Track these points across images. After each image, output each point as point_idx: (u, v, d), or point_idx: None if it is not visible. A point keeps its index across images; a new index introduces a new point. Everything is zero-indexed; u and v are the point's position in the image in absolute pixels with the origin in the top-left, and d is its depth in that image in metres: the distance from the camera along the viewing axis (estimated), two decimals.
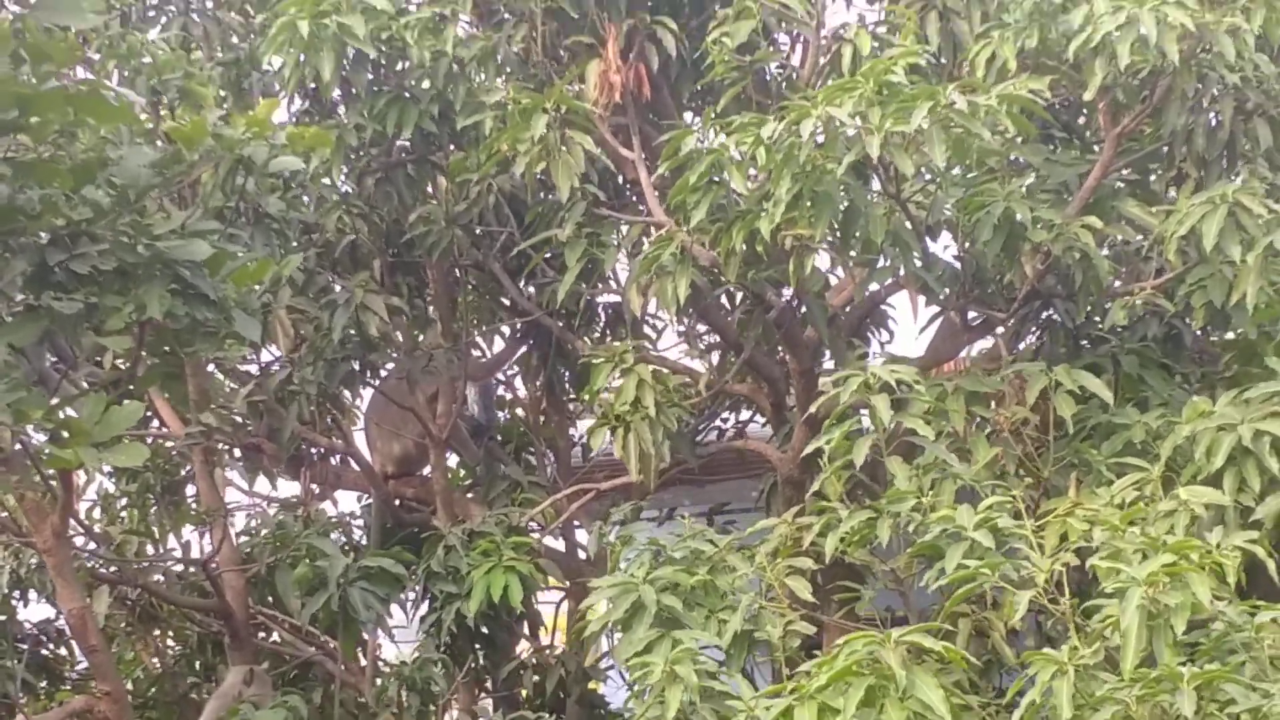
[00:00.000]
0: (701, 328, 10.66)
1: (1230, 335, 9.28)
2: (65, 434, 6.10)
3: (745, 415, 11.80)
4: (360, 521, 11.57)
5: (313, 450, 10.97)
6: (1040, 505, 8.01)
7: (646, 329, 11.36)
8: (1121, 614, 6.32)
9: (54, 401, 6.35)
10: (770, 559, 7.97)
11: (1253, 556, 6.97)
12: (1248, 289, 7.93)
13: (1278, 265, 7.98)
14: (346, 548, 10.53)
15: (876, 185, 8.30)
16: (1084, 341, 9.15)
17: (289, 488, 11.35)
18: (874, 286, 9.13)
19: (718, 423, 11.78)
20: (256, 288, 7.02)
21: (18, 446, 6.76)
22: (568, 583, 11.11)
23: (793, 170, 7.67)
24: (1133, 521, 7.13)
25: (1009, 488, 7.79)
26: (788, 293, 9.46)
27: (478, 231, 10.08)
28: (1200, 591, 6.36)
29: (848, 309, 9.78)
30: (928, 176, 8.29)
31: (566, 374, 11.57)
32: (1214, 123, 8.60)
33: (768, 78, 9.53)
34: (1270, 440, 7.43)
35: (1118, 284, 8.84)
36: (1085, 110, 9.31)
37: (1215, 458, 7.53)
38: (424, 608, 9.83)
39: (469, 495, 11.33)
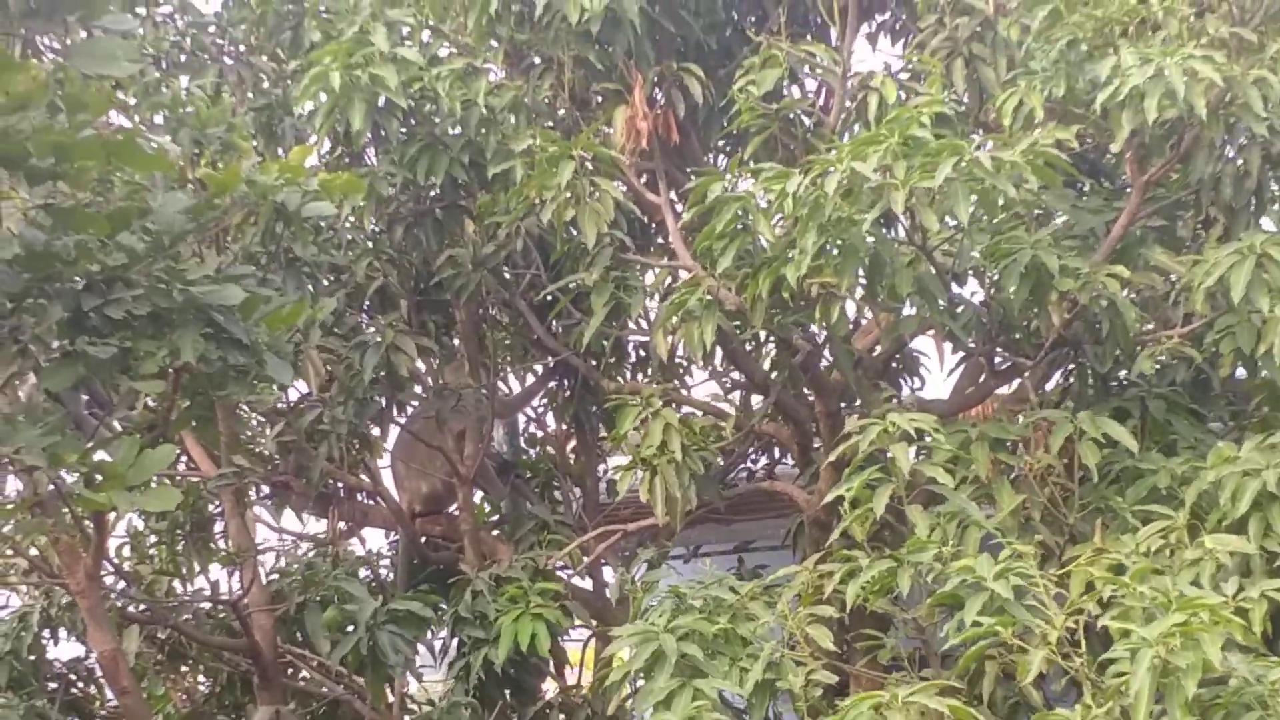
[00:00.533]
0: (731, 368, 10.69)
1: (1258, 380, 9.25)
2: (99, 477, 6.16)
3: (777, 455, 11.81)
4: (386, 559, 11.61)
5: (340, 488, 11.02)
6: (1065, 552, 8.02)
7: (676, 369, 11.39)
8: (1133, 675, 6.31)
9: (88, 444, 6.40)
10: (792, 607, 7.98)
11: (1278, 604, 6.99)
12: (1275, 339, 7.92)
13: None
14: (373, 586, 10.58)
15: (902, 233, 8.34)
16: (1111, 386, 9.14)
17: (317, 525, 11.41)
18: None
19: (747, 463, 11.79)
20: (288, 331, 7.08)
21: (51, 489, 6.83)
22: (595, 623, 11.13)
23: (818, 222, 7.71)
24: (1157, 570, 7.13)
25: (1032, 535, 7.80)
26: (815, 335, 9.50)
27: (505, 273, 10.14)
28: (1211, 651, 6.33)
29: (874, 352, 9.79)
30: (953, 224, 8.30)
31: (596, 411, 11.61)
32: (1241, 171, 8.60)
33: (795, 122, 9.57)
34: None
35: (1145, 331, 8.84)
36: (1112, 156, 9.31)
37: (1240, 503, 7.52)
38: (452, 650, 9.87)
39: (495, 533, 11.36)
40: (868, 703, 6.49)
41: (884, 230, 8.13)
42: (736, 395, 11.07)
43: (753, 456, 11.79)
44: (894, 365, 10.63)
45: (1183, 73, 7.91)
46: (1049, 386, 9.77)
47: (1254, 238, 8.07)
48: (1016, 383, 9.74)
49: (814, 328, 9.18)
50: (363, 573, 10.56)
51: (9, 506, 7.55)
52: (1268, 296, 7.89)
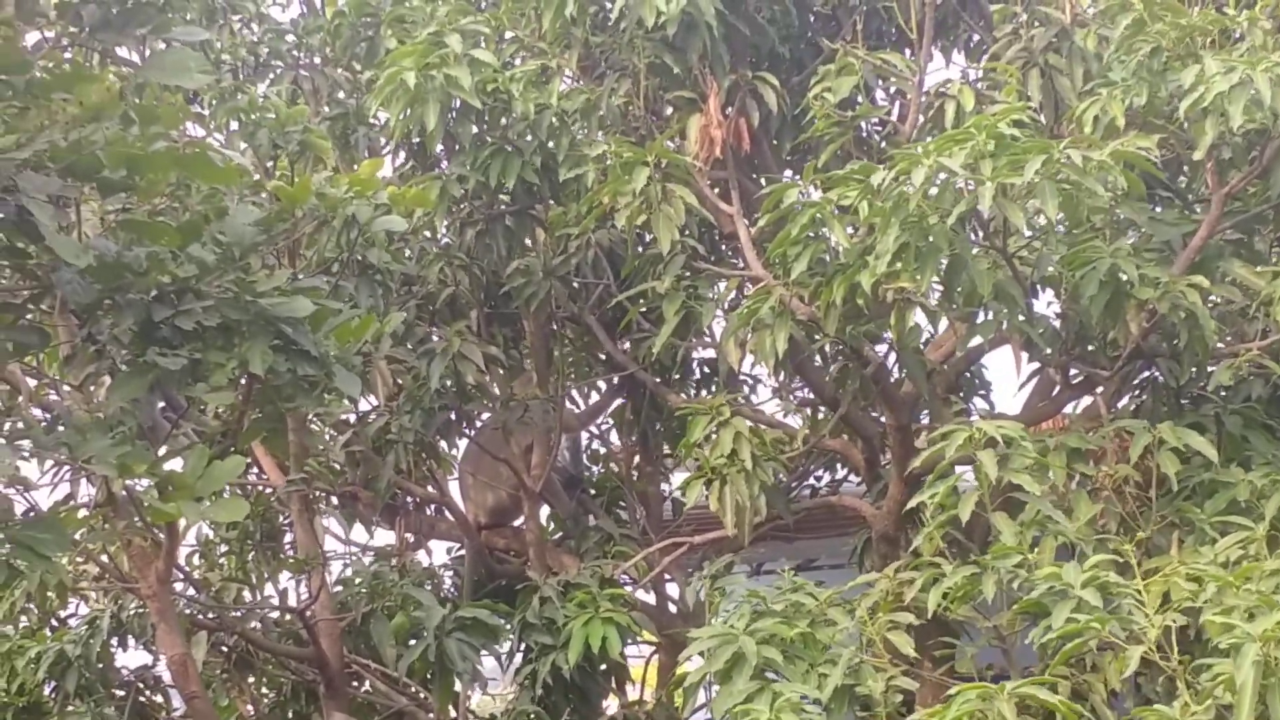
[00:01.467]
0: (795, 383, 10.66)
1: None
2: (169, 487, 6.17)
3: (839, 473, 11.77)
4: (452, 571, 11.60)
5: (408, 499, 11.02)
6: (1142, 564, 7.94)
7: (741, 385, 11.36)
8: (1236, 670, 6.24)
9: (161, 452, 6.42)
10: (871, 614, 7.93)
11: None
12: None
13: None
14: (439, 598, 10.56)
15: (980, 237, 8.29)
16: (1185, 401, 9.07)
17: (384, 536, 11.41)
18: (974, 341, 9.09)
19: (810, 480, 11.75)
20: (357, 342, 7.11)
21: (123, 494, 6.84)
22: (658, 636, 11.08)
23: (901, 219, 7.66)
24: (1234, 582, 7.06)
25: (1115, 544, 7.73)
26: (883, 348, 9.46)
27: (575, 284, 10.14)
28: None
29: (945, 365, 9.74)
30: (1029, 232, 8.25)
31: (660, 428, 11.57)
32: None
33: (865, 134, 9.55)
34: None
35: (1221, 345, 8.77)
36: (1187, 170, 9.26)
37: None
38: (518, 659, 9.83)
39: (560, 547, 11.34)
40: (974, 693, 6.42)
41: (967, 232, 8.04)
42: (802, 412, 11.02)
43: (816, 474, 11.76)
44: (963, 381, 10.57)
45: (1269, 80, 7.85)
46: (1120, 404, 9.68)
47: None
48: (1086, 400, 9.69)
49: (883, 343, 9.15)
50: (427, 585, 10.53)
51: (82, 514, 7.57)
52: None
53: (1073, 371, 9.08)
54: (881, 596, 8.03)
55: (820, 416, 10.54)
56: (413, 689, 10.20)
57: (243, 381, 6.56)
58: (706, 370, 11.44)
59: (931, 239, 7.65)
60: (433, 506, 11.27)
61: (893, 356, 9.57)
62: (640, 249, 9.57)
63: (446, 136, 9.33)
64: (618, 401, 11.74)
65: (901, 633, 7.76)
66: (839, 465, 11.60)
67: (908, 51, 9.74)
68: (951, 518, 7.71)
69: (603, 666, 9.84)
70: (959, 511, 7.65)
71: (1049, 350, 8.70)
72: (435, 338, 10.00)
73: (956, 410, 9.51)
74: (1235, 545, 7.60)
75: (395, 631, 9.27)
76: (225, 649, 10.40)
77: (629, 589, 10.38)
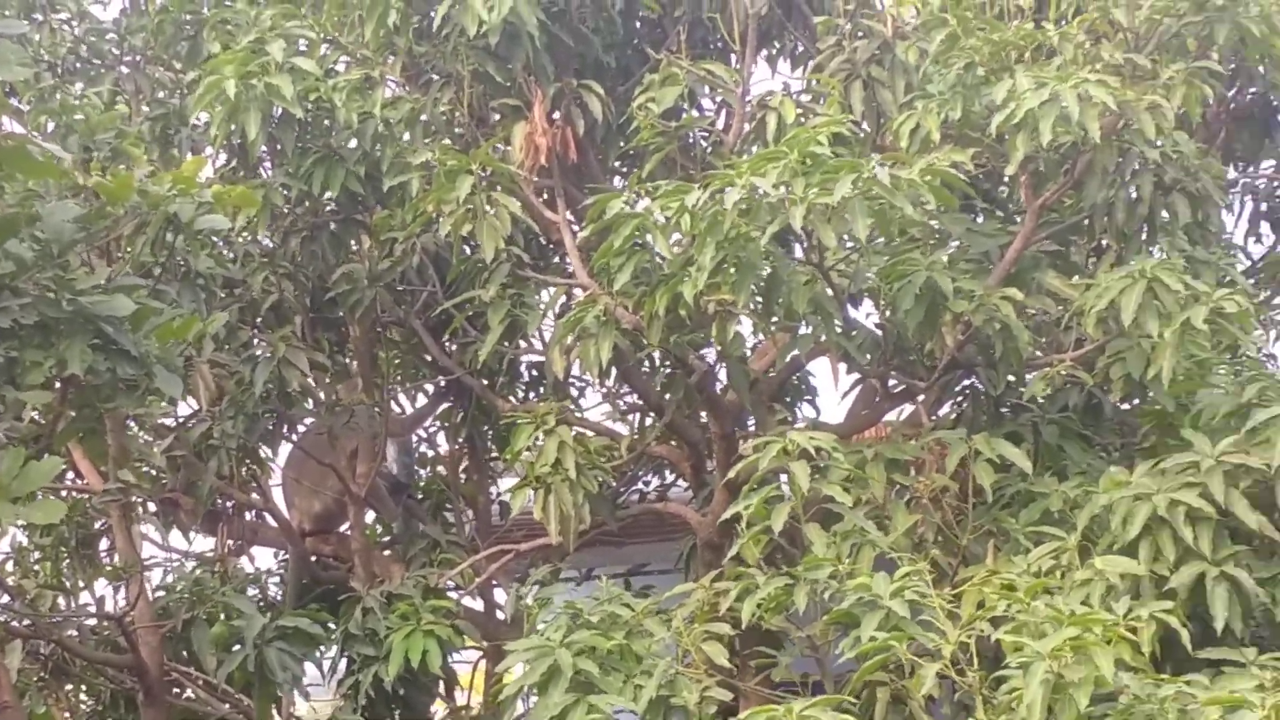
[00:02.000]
0: (624, 389, 10.68)
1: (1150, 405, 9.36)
2: None
3: (668, 478, 11.80)
4: (276, 578, 11.46)
5: (230, 505, 10.87)
6: (958, 573, 8.06)
7: (570, 389, 11.35)
8: (1025, 688, 6.37)
9: None
10: (687, 624, 7.97)
11: (1168, 626, 7.06)
12: (1164, 363, 8.01)
13: (1194, 340, 8.08)
14: (262, 605, 10.43)
15: (799, 252, 8.37)
16: (1004, 410, 9.21)
17: (205, 543, 11.25)
18: (795, 352, 9.16)
19: (639, 485, 11.77)
20: (179, 344, 6.98)
21: None
22: (485, 643, 11.04)
23: (716, 238, 7.73)
24: (1048, 590, 7.18)
25: (926, 555, 7.83)
26: (711, 357, 9.51)
27: (400, 289, 10.08)
28: (1104, 665, 6.41)
29: (769, 374, 9.81)
30: (850, 245, 8.34)
31: (489, 431, 11.54)
32: (1133, 197, 8.70)
33: (693, 142, 9.59)
34: (1185, 510, 7.50)
35: (1038, 354, 8.92)
36: (1007, 181, 9.41)
37: (1131, 527, 7.58)
38: (340, 669, 9.75)
39: (387, 553, 11.26)
40: (763, 716, 6.48)
41: (781, 249, 8.13)
42: (630, 418, 11.05)
43: (645, 479, 11.79)
44: (788, 388, 10.65)
45: (1077, 97, 8.00)
46: (942, 412, 9.82)
47: (1145, 262, 8.16)
48: (909, 408, 9.81)
49: (709, 350, 9.20)
50: (251, 592, 10.41)
51: None
52: (1157, 321, 7.98)
53: (892, 381, 9.20)
54: (698, 606, 8.07)
55: (648, 422, 10.57)
56: (235, 697, 10.07)
57: (59, 381, 6.45)
58: (536, 374, 11.42)
59: (747, 256, 7.71)
60: (255, 512, 11.13)
61: (718, 365, 9.61)
62: (465, 257, 9.51)
63: (271, 141, 9.22)
64: (445, 405, 11.69)
65: (716, 643, 7.79)
66: (668, 470, 11.64)
67: (735, 59, 9.80)
68: (766, 528, 7.77)
69: (429, 675, 9.76)
70: (771, 523, 7.70)
71: (867, 361, 8.80)
72: (259, 343, 9.87)
73: (780, 418, 9.56)
74: (1047, 555, 7.72)
75: (215, 639, 9.16)
76: (42, 657, 10.18)
77: (455, 596, 10.34)
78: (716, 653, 7.77)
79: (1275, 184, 11.65)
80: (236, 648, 9.06)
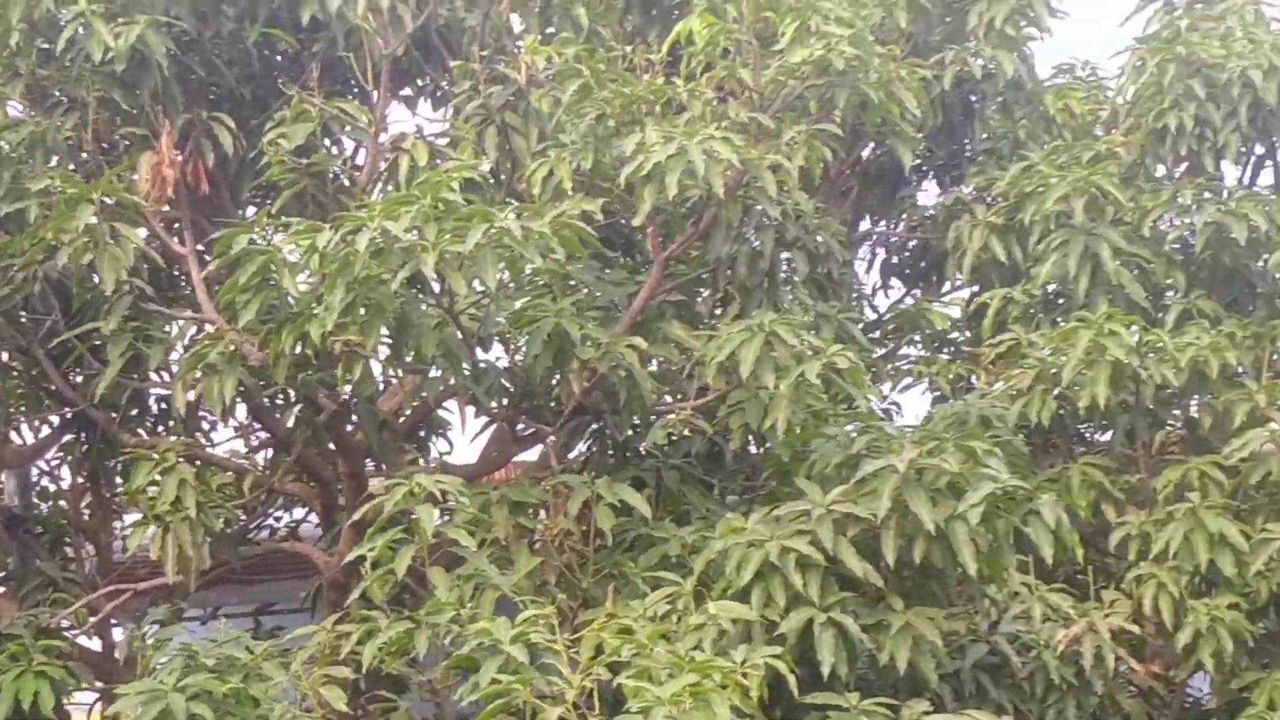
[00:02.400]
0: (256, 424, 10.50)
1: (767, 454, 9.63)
2: None
3: (300, 514, 11.64)
4: None
5: None
6: (579, 616, 8.15)
7: (200, 424, 11.08)
8: None
9: None
10: (307, 667, 7.87)
11: (777, 671, 7.27)
12: (779, 415, 8.27)
13: (810, 393, 8.36)
14: None
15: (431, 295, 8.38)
16: (629, 455, 9.38)
17: None
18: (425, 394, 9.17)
19: (270, 522, 11.58)
20: None
21: None
22: (100, 685, 10.68)
23: (347, 279, 7.70)
24: (665, 635, 7.32)
25: (549, 599, 7.91)
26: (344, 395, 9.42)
27: (22, 318, 9.70)
28: (721, 711, 6.57)
29: (400, 415, 9.79)
30: (481, 289, 8.39)
31: (115, 466, 11.18)
32: (756, 251, 8.97)
33: (334, 178, 9.51)
34: (796, 557, 7.75)
35: (664, 401, 9.10)
36: (636, 231, 9.60)
37: (744, 573, 7.81)
38: None
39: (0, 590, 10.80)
40: None
41: (413, 291, 8.13)
42: (262, 454, 10.86)
43: (276, 515, 11.59)
44: (422, 429, 10.63)
45: (703, 152, 8.23)
46: (572, 455, 9.94)
47: (764, 316, 8.44)
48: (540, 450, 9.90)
49: (341, 388, 9.12)
50: None
51: None
52: (774, 374, 8.25)
53: (521, 425, 9.26)
54: (319, 649, 7.98)
55: (279, 458, 10.41)
56: None
57: None
58: (164, 407, 11.11)
59: (377, 299, 7.69)
60: None
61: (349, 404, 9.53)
62: (88, 287, 9.23)
63: None
64: (68, 438, 11.28)
65: (335, 687, 7.72)
66: (300, 507, 11.47)
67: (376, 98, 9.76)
68: (390, 570, 7.74)
69: (41, 718, 9.39)
70: (395, 565, 7.68)
71: (495, 404, 8.86)
72: None
73: (411, 459, 9.54)
74: (664, 599, 7.87)
75: None
76: None
77: (71, 636, 9.98)
78: (335, 697, 7.71)
79: (903, 239, 12.18)
80: None
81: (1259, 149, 11.09)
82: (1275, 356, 10.05)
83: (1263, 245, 10.27)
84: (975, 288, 11.29)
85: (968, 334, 11.60)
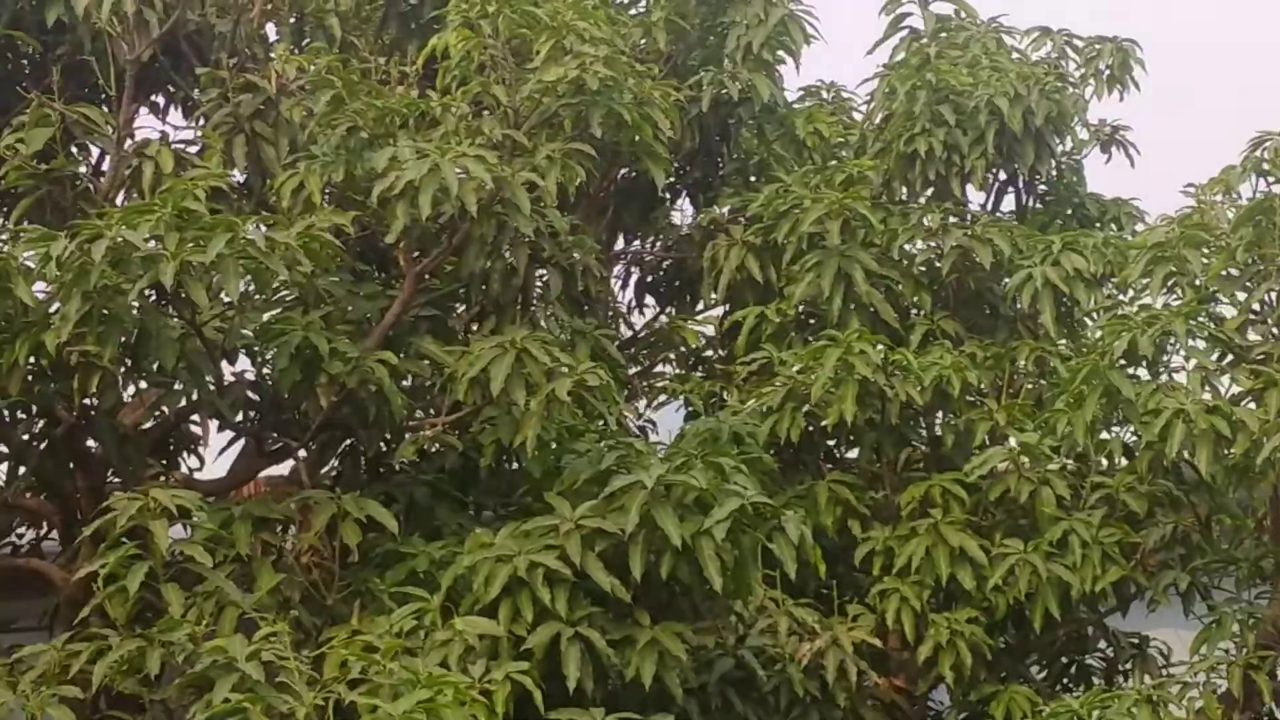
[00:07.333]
0: None
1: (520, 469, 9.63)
2: None
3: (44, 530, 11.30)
4: None
5: None
6: (323, 633, 8.06)
7: None
8: None
9: None
10: (36, 686, 7.64)
11: (523, 687, 7.27)
12: (529, 431, 8.30)
13: (561, 409, 8.39)
14: None
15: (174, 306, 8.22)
16: (382, 470, 9.30)
17: None
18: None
19: (11, 537, 11.22)
20: None
21: None
22: None
23: (83, 288, 7.52)
24: (409, 651, 7.27)
25: (290, 615, 7.80)
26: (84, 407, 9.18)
27: None
28: None
29: (144, 428, 9.56)
30: (227, 300, 8.25)
31: None
32: (510, 267, 8.96)
33: (71, 187, 9.26)
34: (544, 572, 7.80)
35: (417, 416, 9.04)
36: (388, 245, 9.51)
37: (492, 588, 7.84)
38: None
39: None
40: None
41: (155, 303, 7.97)
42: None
43: (18, 531, 11.24)
44: (172, 443, 10.39)
45: (457, 170, 8.20)
46: (325, 470, 9.81)
47: (516, 333, 8.47)
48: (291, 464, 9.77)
49: (80, 400, 8.88)
50: None
51: None
52: (524, 390, 8.27)
53: (269, 439, 9.12)
54: (48, 668, 7.75)
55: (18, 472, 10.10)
56: None
57: None
58: None
59: (115, 309, 7.53)
60: None
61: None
62: None
63: None
64: None
65: (64, 707, 7.50)
66: (44, 523, 11.14)
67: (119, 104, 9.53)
68: (121, 590, 7.56)
69: None
70: (127, 583, 7.51)
71: (240, 418, 8.72)
72: None
73: (154, 473, 9.32)
74: (410, 615, 7.82)
75: None
76: None
77: None
78: (64, 717, 7.48)
79: (658, 258, 12.28)
80: None
81: (1002, 175, 11.37)
82: (1015, 377, 10.38)
83: (1005, 269, 10.53)
84: (728, 306, 11.41)
85: (721, 352, 11.72)
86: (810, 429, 10.02)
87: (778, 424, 9.90)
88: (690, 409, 11.17)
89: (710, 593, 8.25)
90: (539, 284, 9.23)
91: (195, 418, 10.05)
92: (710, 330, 11.88)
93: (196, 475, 10.09)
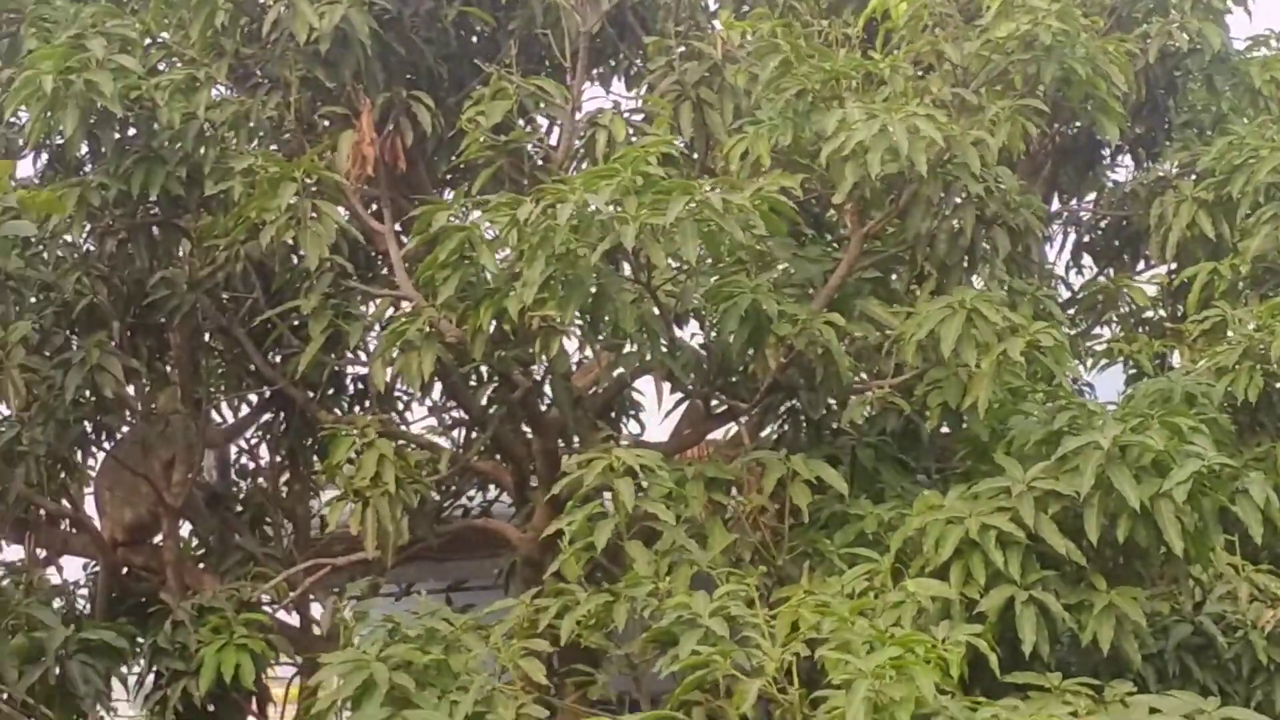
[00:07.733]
0: (450, 402, 10.60)
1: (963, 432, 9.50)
2: None
3: (493, 493, 11.73)
4: (85, 590, 11.17)
5: (40, 513, 10.58)
6: (774, 593, 8.11)
7: (395, 403, 11.23)
8: (847, 705, 6.41)
9: None
10: (506, 640, 7.91)
11: (976, 649, 7.16)
12: (980, 393, 8.16)
13: (1010, 370, 8.23)
14: (69, 616, 10.16)
15: (627, 270, 8.38)
16: (824, 433, 9.30)
17: (13, 552, 10.92)
18: (621, 370, 9.18)
19: (463, 500, 11.68)
20: None
21: None
22: (299, 659, 10.86)
23: (546, 253, 7.70)
24: (862, 612, 7.25)
25: (744, 575, 7.88)
26: (537, 372, 9.47)
27: (224, 297, 9.89)
28: (925, 685, 6.49)
29: (594, 392, 9.81)
30: (677, 265, 8.37)
31: (312, 444, 11.35)
32: (956, 229, 8.84)
33: (524, 158, 9.56)
34: (996, 534, 7.64)
35: (859, 379, 9.02)
36: (833, 208, 9.51)
37: (943, 550, 7.70)
38: (148, 685, 9.53)
39: (201, 566, 11.03)
40: None
41: (610, 267, 8.13)
42: (455, 432, 10.97)
43: (470, 494, 11.70)
44: (614, 407, 10.65)
45: (906, 129, 8.12)
46: (764, 433, 9.89)
47: (964, 293, 8.33)
48: (733, 429, 9.87)
49: (536, 365, 9.17)
50: (57, 603, 10.12)
51: None
52: (975, 351, 8.14)
53: (715, 402, 9.23)
54: (517, 623, 8.01)
55: (473, 437, 10.51)
56: (38, 710, 9.79)
57: None
58: (361, 386, 11.27)
59: (576, 273, 7.69)
60: (67, 521, 10.85)
61: (543, 381, 9.58)
62: (289, 265, 9.37)
63: (91, 139, 9.01)
64: (267, 416, 11.49)
65: (534, 660, 7.74)
66: (494, 486, 11.56)
67: (570, 76, 9.79)
68: (588, 545, 7.75)
69: (241, 691, 9.57)
70: (594, 539, 7.69)
71: (691, 381, 8.83)
72: (75, 347, 9.63)
73: (604, 435, 9.55)
74: (861, 576, 7.79)
75: (16, 651, 8.89)
76: None
77: (270, 610, 10.17)
78: (534, 669, 7.71)
79: (1097, 217, 11.96)
80: (38, 661, 8.80)
81: None
82: None
83: None
84: (1175, 264, 11.03)
85: (1165, 312, 11.35)
86: (1269, 389, 9.58)
87: (1234, 384, 9.49)
88: (1132, 371, 10.86)
89: (1167, 557, 7.98)
90: (984, 244, 9.07)
91: (636, 383, 10.36)
92: (1153, 290, 11.52)
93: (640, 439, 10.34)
